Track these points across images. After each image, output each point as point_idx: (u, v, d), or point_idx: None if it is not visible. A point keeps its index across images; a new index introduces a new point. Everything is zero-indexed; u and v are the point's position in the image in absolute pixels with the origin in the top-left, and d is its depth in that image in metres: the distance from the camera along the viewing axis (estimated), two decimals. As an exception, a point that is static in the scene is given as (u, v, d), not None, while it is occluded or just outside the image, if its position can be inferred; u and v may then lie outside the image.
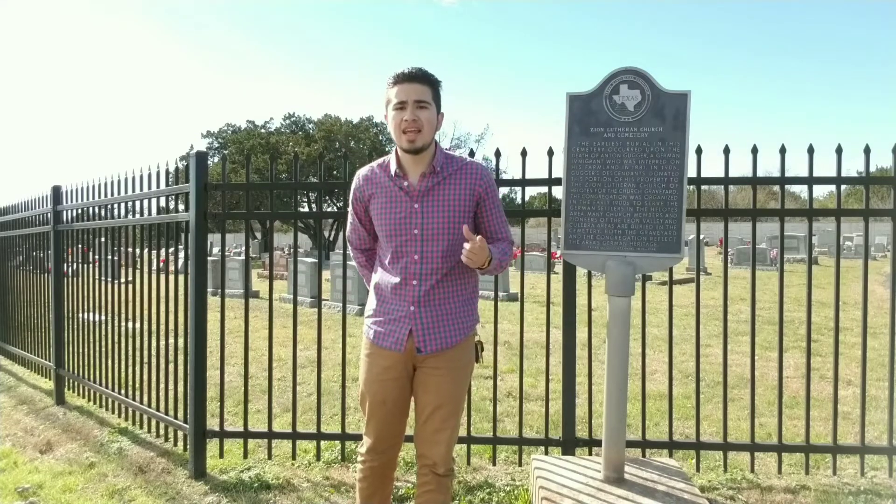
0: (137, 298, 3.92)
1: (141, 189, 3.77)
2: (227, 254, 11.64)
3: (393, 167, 2.03)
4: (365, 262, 2.27)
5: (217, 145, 36.71)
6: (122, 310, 4.08)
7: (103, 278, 4.39)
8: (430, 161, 2.01)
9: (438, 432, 2.01)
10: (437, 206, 1.99)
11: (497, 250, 2.02)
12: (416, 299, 1.99)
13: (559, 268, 10.49)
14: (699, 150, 3.08)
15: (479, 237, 1.87)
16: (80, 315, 4.67)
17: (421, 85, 1.93)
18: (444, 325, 2.01)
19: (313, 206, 30.60)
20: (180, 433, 3.60)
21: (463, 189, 2.02)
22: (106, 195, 4.13)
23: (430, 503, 2.05)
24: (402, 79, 1.94)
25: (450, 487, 2.08)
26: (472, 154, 3.46)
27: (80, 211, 4.60)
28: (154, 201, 3.76)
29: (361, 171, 2.14)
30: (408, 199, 2.00)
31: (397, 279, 2.01)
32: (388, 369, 2.04)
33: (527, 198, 3.48)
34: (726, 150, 3.07)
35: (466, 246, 1.87)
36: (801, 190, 49.67)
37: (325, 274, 15.06)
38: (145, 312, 3.87)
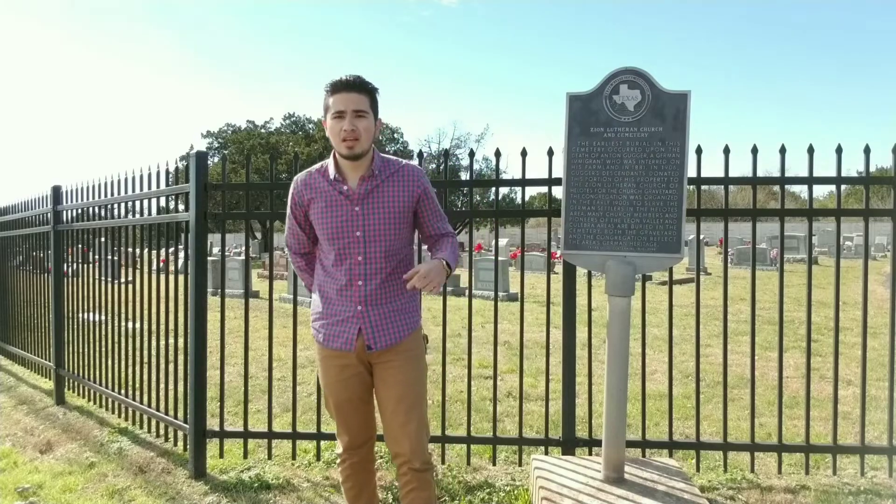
0: (137, 298, 3.92)
1: (141, 189, 3.78)
2: (227, 254, 11.64)
3: (332, 172, 2.07)
4: (304, 266, 2.29)
5: (217, 145, 36.73)
6: (122, 310, 4.08)
7: (103, 278, 4.39)
8: (369, 165, 2.06)
9: (405, 425, 2.04)
10: (378, 208, 2.05)
11: (449, 251, 2.08)
12: (362, 299, 2.05)
13: (559, 268, 10.49)
14: (699, 150, 3.08)
15: (417, 271, 1.89)
16: (80, 315, 4.67)
17: (359, 94, 1.97)
18: (392, 321, 2.07)
19: (313, 206, 30.56)
20: (180, 433, 3.60)
21: (402, 191, 2.08)
22: (106, 195, 4.13)
23: (415, 501, 2.06)
24: (340, 87, 1.97)
25: (431, 482, 2.10)
26: (472, 154, 3.46)
27: (80, 211, 4.60)
28: (154, 201, 3.76)
29: (299, 177, 2.17)
30: (348, 202, 2.05)
31: (343, 280, 2.06)
32: (344, 368, 2.09)
33: (527, 198, 3.48)
34: (726, 150, 3.07)
35: (417, 282, 1.88)
36: (801, 190, 49.78)
37: (325, 274, 15.03)
38: (145, 312, 3.87)
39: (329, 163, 2.11)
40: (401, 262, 2.12)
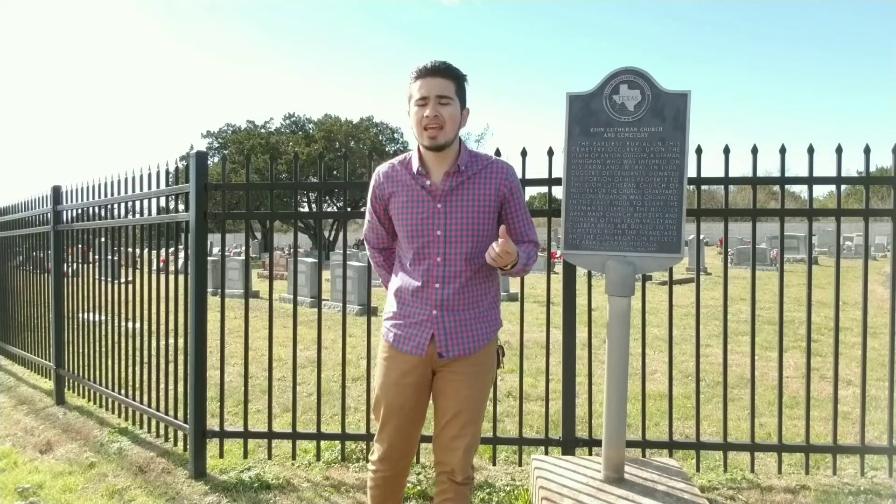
0: (137, 298, 3.92)
1: (141, 189, 3.77)
2: (227, 254, 11.64)
3: (415, 165, 1.95)
4: (382, 262, 2.18)
5: (217, 145, 36.70)
6: (122, 310, 4.08)
7: (103, 278, 4.39)
8: (455, 159, 1.94)
9: (456, 439, 1.94)
10: (461, 206, 1.92)
11: (524, 254, 1.95)
12: (438, 303, 1.93)
13: (559, 268, 10.48)
14: (699, 150, 3.08)
15: (504, 243, 1.76)
16: (80, 315, 4.67)
17: (444, 79, 1.86)
18: (468, 330, 1.95)
19: (313, 206, 30.62)
20: (180, 433, 3.60)
21: (488, 189, 1.95)
22: (106, 195, 4.13)
23: None
24: (424, 73, 1.86)
25: (468, 497, 1.99)
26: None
27: (80, 211, 4.60)
28: (154, 201, 3.76)
29: (382, 168, 2.06)
30: (430, 198, 1.93)
31: (419, 282, 1.94)
32: (406, 374, 1.97)
33: (527, 198, 3.48)
34: (726, 150, 3.07)
35: (495, 246, 1.78)
36: (801, 190, 49.66)
37: (325, 274, 15.06)
38: (145, 312, 3.87)
39: (413, 155, 1.99)
40: (483, 266, 1.96)
